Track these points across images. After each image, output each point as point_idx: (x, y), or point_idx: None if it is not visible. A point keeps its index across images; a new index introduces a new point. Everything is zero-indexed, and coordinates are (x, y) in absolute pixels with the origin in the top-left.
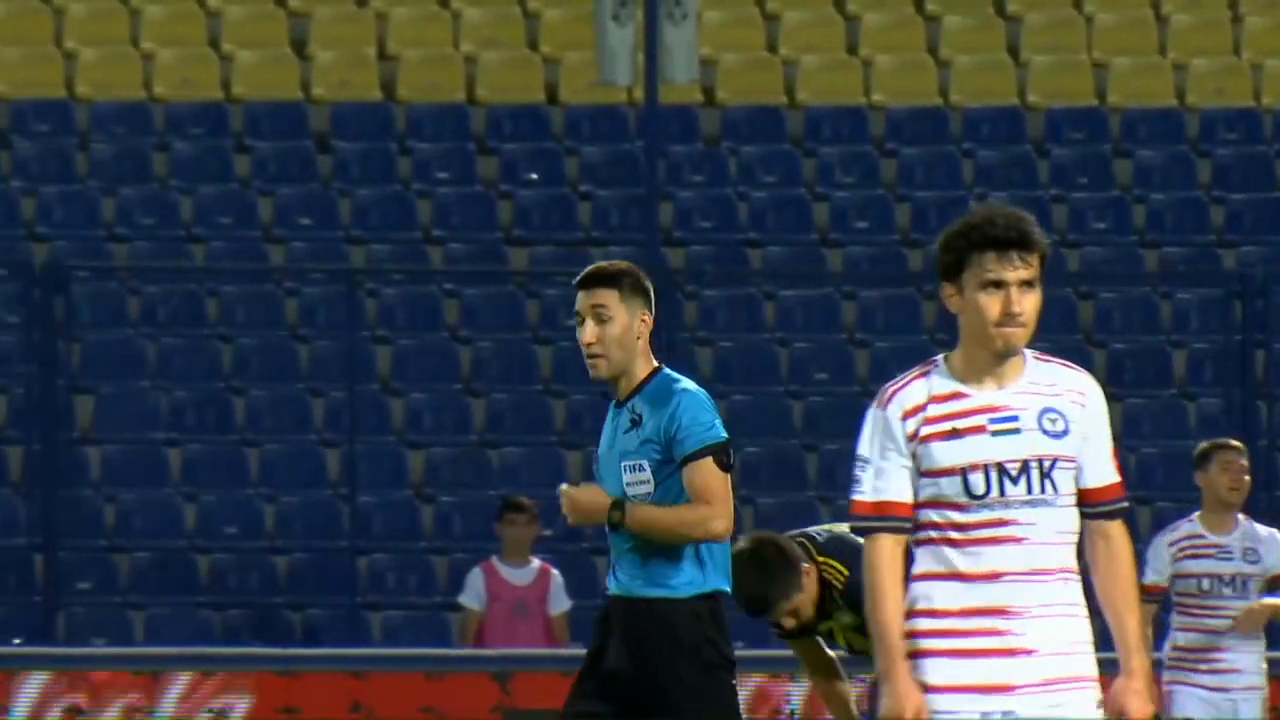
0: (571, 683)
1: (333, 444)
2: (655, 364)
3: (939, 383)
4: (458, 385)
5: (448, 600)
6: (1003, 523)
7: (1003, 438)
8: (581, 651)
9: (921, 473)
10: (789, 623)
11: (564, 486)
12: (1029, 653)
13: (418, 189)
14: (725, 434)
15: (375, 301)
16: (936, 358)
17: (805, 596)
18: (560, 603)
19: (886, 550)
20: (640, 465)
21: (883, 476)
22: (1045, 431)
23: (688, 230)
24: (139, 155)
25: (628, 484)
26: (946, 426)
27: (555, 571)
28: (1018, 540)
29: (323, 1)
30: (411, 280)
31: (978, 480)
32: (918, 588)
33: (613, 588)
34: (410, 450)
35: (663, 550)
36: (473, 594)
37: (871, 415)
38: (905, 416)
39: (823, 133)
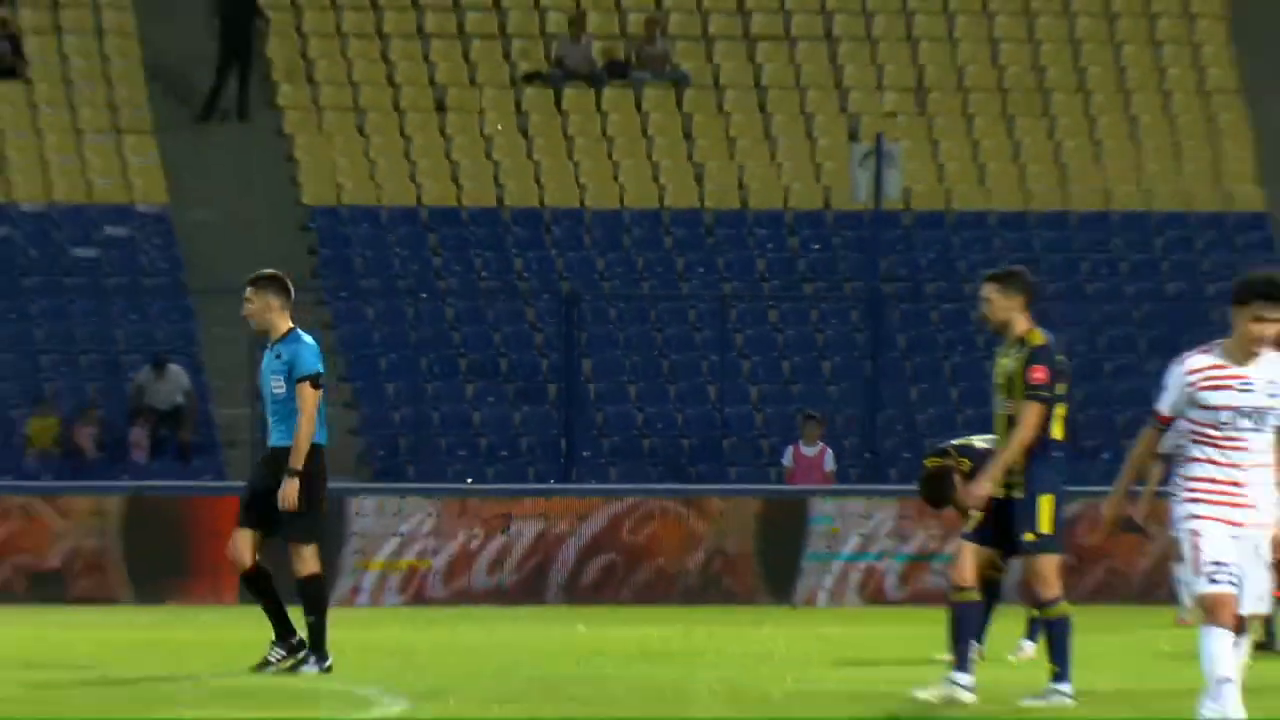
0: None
1: None
2: (291, 324)
3: None
4: None
5: None
6: None
7: None
8: None
9: None
10: None
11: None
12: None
13: None
14: (320, 368)
15: None
16: None
17: None
18: None
19: None
20: (280, 380)
21: None
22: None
23: None
24: None
25: (273, 387)
26: None
27: None
28: None
29: None
30: None
31: None
32: None
33: (272, 440)
34: None
35: (294, 418)
36: None
37: None
38: None
39: None
